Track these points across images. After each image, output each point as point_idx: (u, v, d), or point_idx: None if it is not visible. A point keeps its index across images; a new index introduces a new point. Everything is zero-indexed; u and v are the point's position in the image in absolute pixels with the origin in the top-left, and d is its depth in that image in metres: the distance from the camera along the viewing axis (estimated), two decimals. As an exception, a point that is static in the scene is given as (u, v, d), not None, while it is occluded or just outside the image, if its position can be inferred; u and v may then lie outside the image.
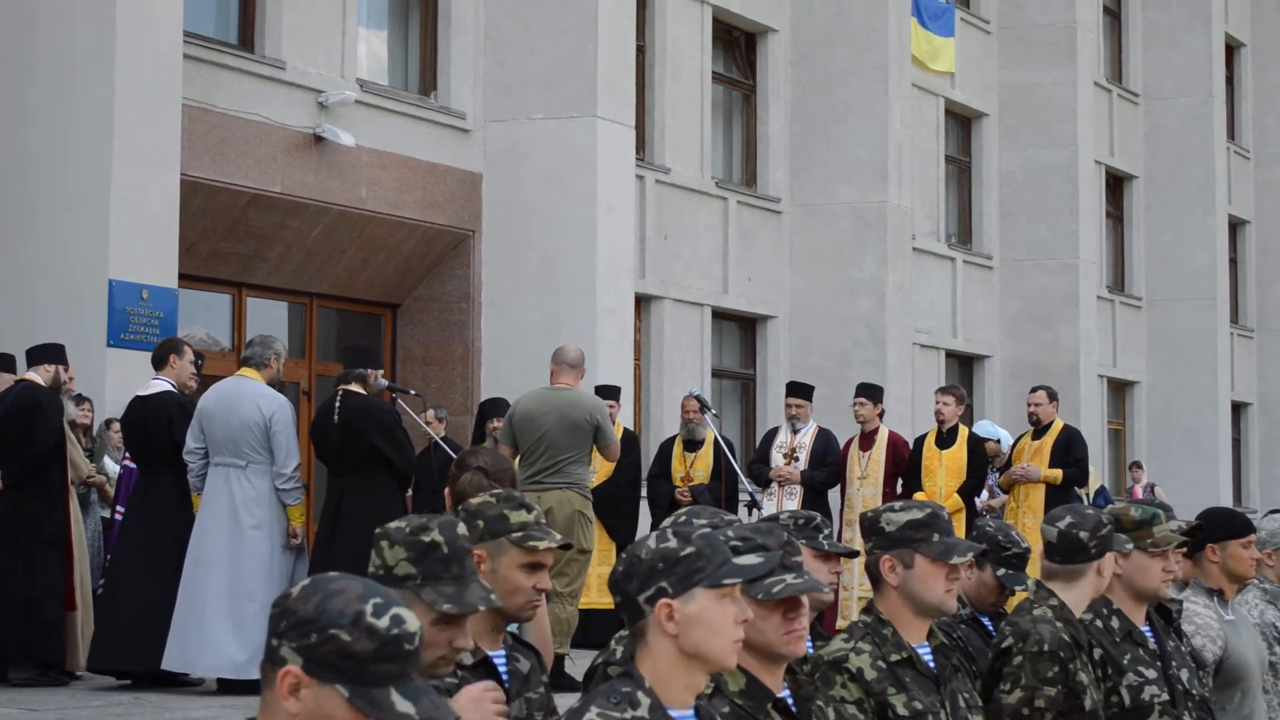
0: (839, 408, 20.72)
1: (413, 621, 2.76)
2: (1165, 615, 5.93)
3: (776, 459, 14.21)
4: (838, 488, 14.60)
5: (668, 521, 4.76)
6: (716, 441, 14.11)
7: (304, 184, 16.61)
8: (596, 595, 13.21)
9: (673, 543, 3.51)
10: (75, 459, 11.36)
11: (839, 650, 4.69)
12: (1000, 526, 6.24)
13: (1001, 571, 6.08)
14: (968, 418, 25.48)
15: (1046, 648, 5.15)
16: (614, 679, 3.64)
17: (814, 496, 13.88)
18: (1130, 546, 5.55)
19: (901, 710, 4.60)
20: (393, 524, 3.89)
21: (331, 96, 16.70)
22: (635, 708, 3.48)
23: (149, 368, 11.25)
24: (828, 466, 14.16)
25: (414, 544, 3.82)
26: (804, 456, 14.16)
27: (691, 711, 3.57)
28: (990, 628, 5.99)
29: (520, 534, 4.24)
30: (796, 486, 14.03)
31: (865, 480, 14.09)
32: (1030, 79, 27.78)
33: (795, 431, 14.32)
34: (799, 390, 14.68)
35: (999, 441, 16.05)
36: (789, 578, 4.03)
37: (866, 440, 14.30)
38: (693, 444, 14.43)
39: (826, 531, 4.92)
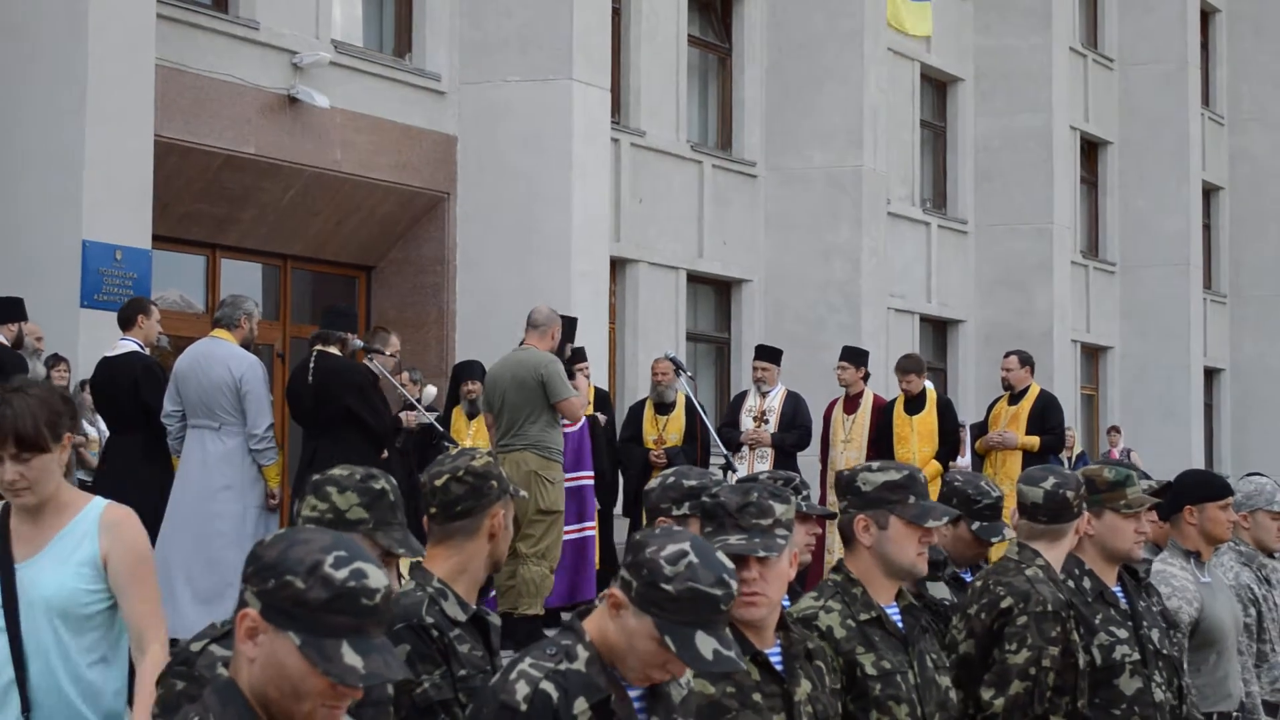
0: (813, 372, 20.77)
1: (376, 578, 2.75)
2: (1134, 576, 5.96)
3: (746, 422, 14.21)
4: (816, 452, 14.63)
5: (654, 483, 4.77)
6: (690, 404, 14.09)
7: (278, 145, 16.55)
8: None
9: None
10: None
11: (808, 608, 4.71)
12: (968, 479, 6.19)
13: (976, 525, 6.06)
14: (942, 382, 25.66)
15: (1050, 608, 5.19)
16: (556, 632, 3.64)
17: (785, 459, 13.89)
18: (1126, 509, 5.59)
19: (869, 669, 4.62)
20: (335, 471, 3.98)
21: (306, 58, 16.63)
22: (572, 660, 3.47)
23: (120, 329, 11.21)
24: (798, 429, 14.17)
25: (365, 490, 3.92)
26: (774, 419, 14.16)
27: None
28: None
29: (511, 487, 4.30)
30: (768, 450, 14.04)
31: (849, 443, 14.09)
32: (1006, 44, 27.78)
33: (763, 395, 14.30)
34: (766, 354, 14.64)
35: None
36: (732, 538, 4.04)
37: (851, 403, 14.30)
38: (664, 406, 14.43)
39: (805, 493, 4.94)
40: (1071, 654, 5.21)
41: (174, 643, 10.29)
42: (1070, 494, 5.42)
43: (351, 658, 2.70)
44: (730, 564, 3.50)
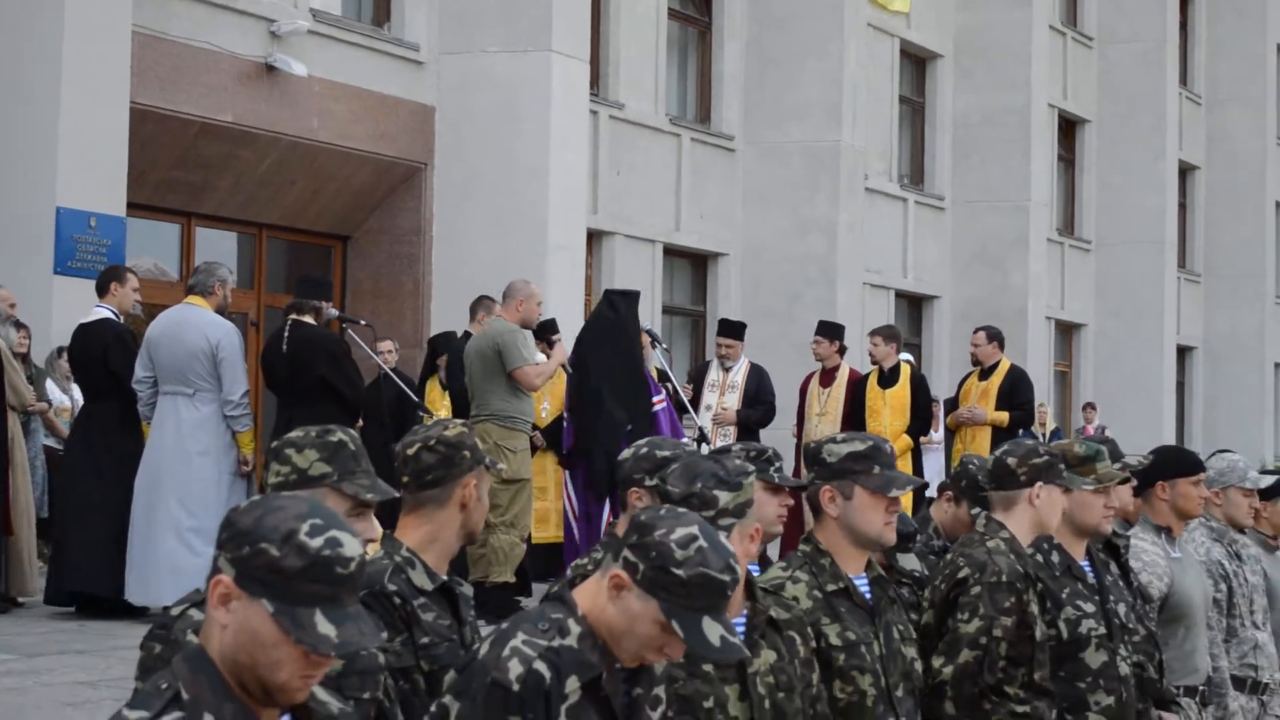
0: (788, 345, 20.81)
1: (351, 546, 2.74)
2: (1114, 551, 6.00)
3: (708, 396, 14.20)
4: (791, 425, 14.63)
5: (627, 452, 4.77)
6: (665, 377, 14.07)
7: (255, 114, 16.50)
8: (554, 530, 13.25)
9: None
10: (16, 384, 11.28)
11: (776, 578, 4.73)
12: (983, 465, 6.25)
13: (977, 510, 6.11)
14: (918, 357, 25.69)
15: (1004, 578, 5.21)
16: (544, 603, 3.63)
17: (748, 435, 13.85)
18: (1085, 484, 5.59)
19: (835, 640, 4.64)
20: (291, 434, 3.97)
21: (284, 26, 16.56)
22: (564, 635, 3.46)
23: (96, 296, 11.19)
24: (762, 405, 14.16)
25: (324, 445, 3.91)
26: (737, 395, 14.16)
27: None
28: None
29: (487, 459, 4.31)
30: (731, 427, 14.03)
31: (824, 417, 14.08)
32: (986, 20, 27.79)
33: (726, 370, 14.28)
34: (730, 330, 14.58)
35: None
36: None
37: (827, 377, 14.30)
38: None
39: (778, 465, 4.93)
40: (1028, 626, 5.22)
41: (145, 611, 10.37)
42: (1013, 461, 5.43)
43: (325, 626, 2.70)
44: (733, 548, 3.48)
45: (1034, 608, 5.25)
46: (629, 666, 3.53)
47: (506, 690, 3.40)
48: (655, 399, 12.57)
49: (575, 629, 3.46)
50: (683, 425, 13.51)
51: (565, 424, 12.61)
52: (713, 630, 3.35)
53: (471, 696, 3.45)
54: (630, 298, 12.97)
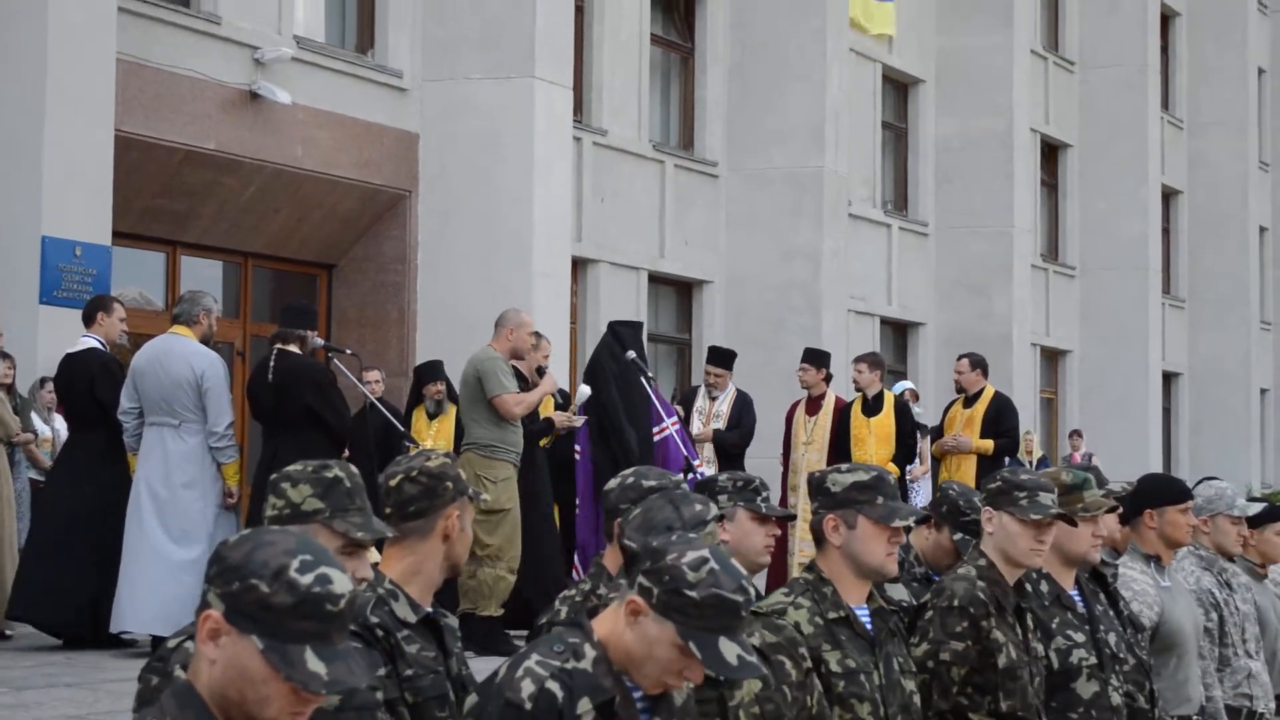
0: (773, 373, 20.80)
1: (341, 583, 2.74)
2: (1101, 580, 5.99)
3: (695, 423, 14.20)
4: (778, 453, 14.60)
5: (613, 482, 4.76)
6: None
7: (239, 141, 16.49)
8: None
9: None
10: (2, 415, 11.27)
11: (778, 603, 4.75)
12: (963, 491, 6.28)
13: (958, 536, 6.12)
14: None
15: (956, 603, 5.23)
16: (561, 627, 3.64)
17: (728, 460, 13.81)
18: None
19: (834, 666, 4.66)
20: (290, 467, 3.98)
21: (268, 53, 16.57)
22: (579, 659, 3.50)
23: (81, 325, 11.18)
24: (741, 429, 14.16)
25: (318, 480, 3.91)
26: (722, 422, 14.15)
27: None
28: None
29: (471, 490, 4.28)
30: (710, 445, 13.97)
31: (810, 445, 14.07)
32: (967, 45, 27.86)
33: (713, 400, 14.25)
34: (719, 359, 14.55)
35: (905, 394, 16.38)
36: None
37: (813, 405, 14.28)
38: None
39: (765, 494, 4.94)
40: (991, 654, 5.21)
41: (155, 640, 10.32)
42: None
43: (315, 664, 2.69)
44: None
45: (998, 635, 5.22)
46: (652, 694, 3.56)
47: (519, 709, 3.45)
48: (669, 421, 12.54)
49: (590, 653, 3.51)
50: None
51: (578, 459, 12.52)
52: (730, 650, 3.42)
53: (487, 719, 3.49)
54: (635, 328, 13.02)
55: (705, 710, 4.15)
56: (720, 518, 4.61)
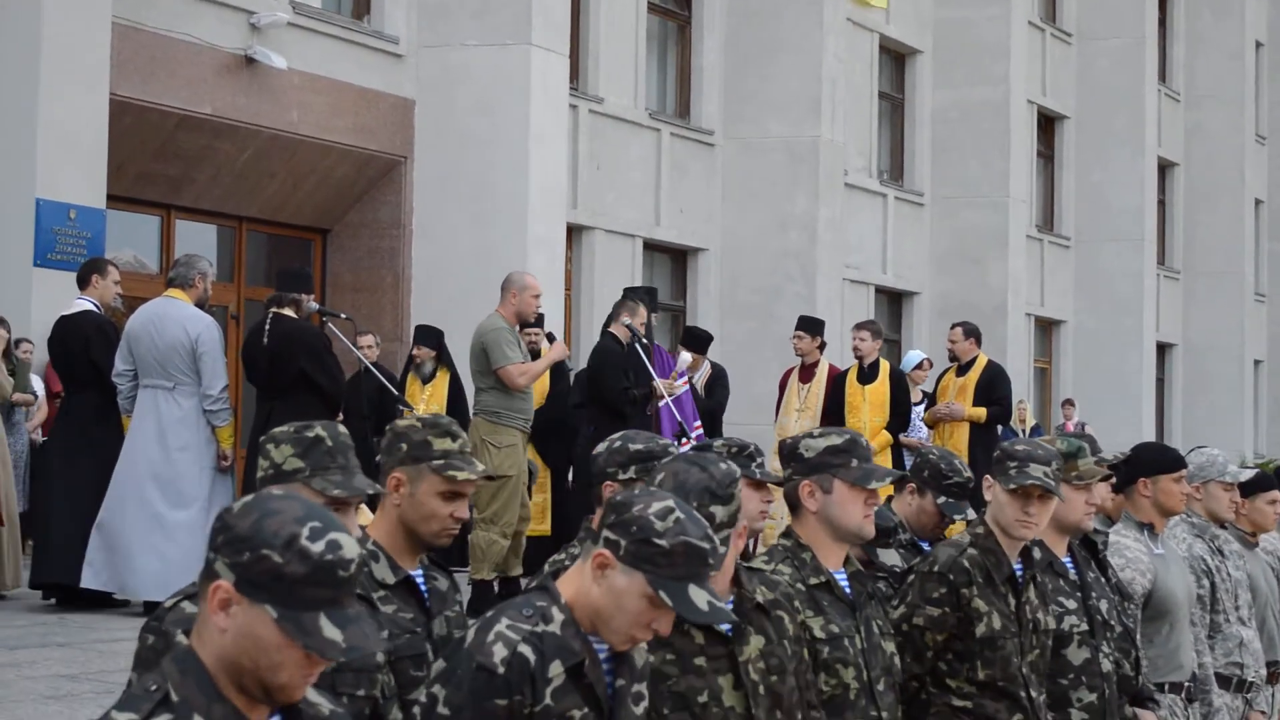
0: (767, 341, 20.82)
1: (350, 548, 2.75)
2: (1092, 548, 6.00)
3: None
4: (770, 419, 14.62)
5: (601, 446, 4.75)
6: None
7: (234, 106, 16.46)
8: (545, 524, 13.22)
9: None
10: (-4, 377, 11.29)
11: (758, 570, 4.73)
12: (943, 454, 6.28)
13: (942, 500, 6.14)
14: (896, 354, 25.71)
15: (936, 569, 5.24)
16: (529, 591, 3.65)
17: (711, 427, 13.86)
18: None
19: (818, 632, 4.66)
20: (275, 429, 4.03)
21: (263, 18, 16.53)
22: (548, 622, 3.51)
23: (75, 288, 11.17)
24: (712, 399, 14.29)
25: (299, 440, 3.96)
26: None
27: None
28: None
29: (441, 462, 4.22)
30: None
31: (804, 412, 14.05)
32: (964, 16, 27.82)
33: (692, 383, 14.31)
34: (694, 343, 14.60)
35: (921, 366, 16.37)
36: None
37: (806, 373, 14.27)
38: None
39: (760, 460, 4.93)
40: (970, 622, 5.22)
41: (146, 604, 10.36)
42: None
43: (330, 630, 2.70)
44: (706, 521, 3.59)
45: (979, 603, 5.21)
46: (620, 650, 3.57)
47: (492, 673, 3.45)
48: (682, 380, 12.66)
49: (559, 616, 3.52)
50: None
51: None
52: (699, 596, 3.44)
53: (457, 682, 3.49)
54: (650, 293, 13.13)
55: (716, 667, 4.16)
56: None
